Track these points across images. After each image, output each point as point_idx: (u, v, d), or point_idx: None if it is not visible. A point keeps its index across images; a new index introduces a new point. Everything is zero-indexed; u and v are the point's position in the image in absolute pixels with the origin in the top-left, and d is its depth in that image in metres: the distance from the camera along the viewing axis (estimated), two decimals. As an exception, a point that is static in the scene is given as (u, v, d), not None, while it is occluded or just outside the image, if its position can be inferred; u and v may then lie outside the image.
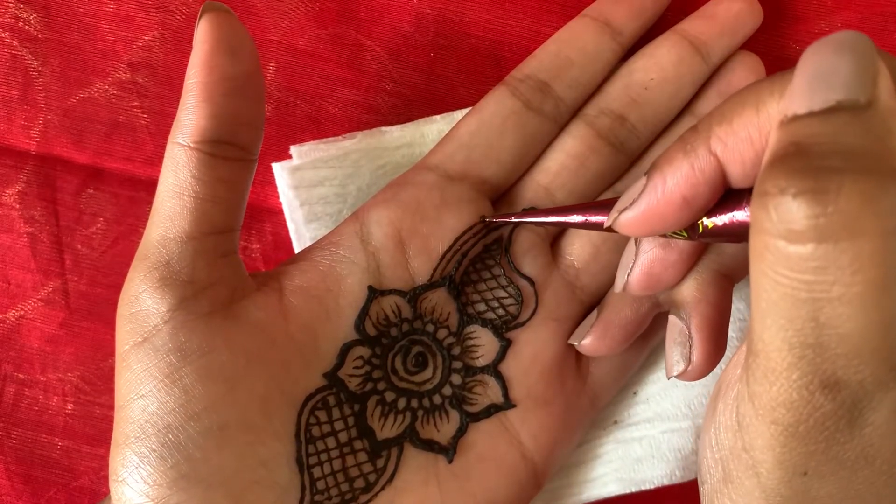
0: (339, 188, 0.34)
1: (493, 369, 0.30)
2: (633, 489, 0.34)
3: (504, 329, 0.31)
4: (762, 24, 0.34)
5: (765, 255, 0.19)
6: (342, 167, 0.34)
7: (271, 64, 0.36)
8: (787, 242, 0.18)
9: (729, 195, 0.24)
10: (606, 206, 0.27)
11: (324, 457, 0.28)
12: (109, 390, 0.36)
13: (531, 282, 0.31)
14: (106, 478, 0.35)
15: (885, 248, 0.18)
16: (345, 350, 0.29)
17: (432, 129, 0.34)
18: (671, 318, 0.28)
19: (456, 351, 0.31)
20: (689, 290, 0.28)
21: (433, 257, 0.30)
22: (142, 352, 0.26)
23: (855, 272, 0.18)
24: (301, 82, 0.36)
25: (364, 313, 0.29)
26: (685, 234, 0.25)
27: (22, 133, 0.36)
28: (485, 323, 0.31)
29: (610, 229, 0.26)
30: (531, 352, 0.31)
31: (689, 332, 0.28)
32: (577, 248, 0.32)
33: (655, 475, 0.33)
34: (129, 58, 0.36)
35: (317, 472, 0.28)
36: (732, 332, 0.33)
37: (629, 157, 0.32)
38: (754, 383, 0.21)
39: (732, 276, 0.29)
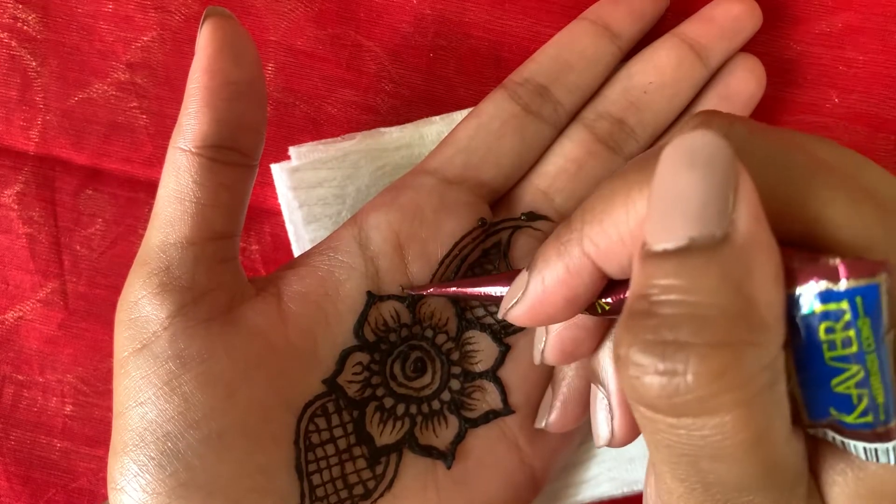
0: (338, 189, 0.34)
1: (493, 375, 0.30)
2: (626, 490, 0.34)
3: (503, 334, 0.30)
4: (763, 25, 0.34)
5: (636, 410, 0.19)
6: (341, 168, 0.34)
7: (270, 64, 0.35)
8: (648, 410, 0.18)
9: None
10: (511, 279, 0.26)
11: (323, 464, 0.28)
12: (108, 391, 0.36)
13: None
14: (104, 479, 0.35)
15: (748, 414, 0.18)
16: (344, 356, 0.29)
17: (431, 130, 0.34)
18: (593, 388, 0.27)
19: (455, 356, 0.30)
20: (606, 362, 0.27)
21: (432, 262, 0.30)
22: (141, 358, 0.26)
23: (722, 439, 0.18)
24: (300, 83, 0.35)
25: (363, 319, 0.29)
26: (586, 312, 0.24)
27: (20, 134, 0.36)
28: (484, 328, 0.30)
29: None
30: (530, 357, 0.30)
31: (610, 405, 0.27)
32: None
33: None
34: (128, 58, 0.36)
35: (316, 479, 0.28)
36: None
37: (628, 160, 0.32)
38: (660, 496, 0.21)
39: None
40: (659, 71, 0.32)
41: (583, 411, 0.30)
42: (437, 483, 0.29)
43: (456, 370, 0.30)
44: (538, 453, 0.30)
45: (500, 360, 0.30)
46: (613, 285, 0.23)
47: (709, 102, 0.33)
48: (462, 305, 0.31)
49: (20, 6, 0.36)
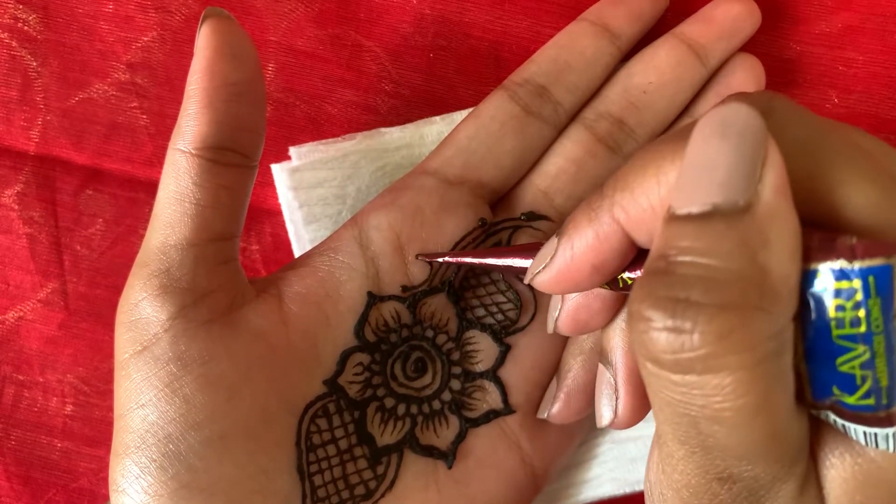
0: (339, 189, 0.34)
1: (493, 374, 0.30)
2: (628, 490, 0.34)
3: (503, 334, 0.31)
4: (763, 25, 0.34)
5: (643, 366, 0.19)
6: (341, 168, 0.34)
7: (270, 64, 0.35)
8: (654, 366, 0.19)
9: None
10: (534, 250, 0.26)
11: (324, 464, 0.28)
12: (109, 392, 0.36)
13: (530, 287, 0.31)
14: (105, 479, 0.35)
15: (751, 378, 0.18)
16: (345, 357, 0.29)
17: (432, 130, 0.34)
18: (600, 366, 0.27)
19: (455, 356, 0.30)
20: (616, 339, 0.27)
21: (434, 263, 0.30)
22: (141, 360, 0.26)
23: (722, 400, 0.18)
24: (300, 83, 0.35)
25: (364, 319, 0.29)
26: (607, 286, 0.25)
27: (21, 134, 0.36)
28: (484, 328, 0.31)
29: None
30: (531, 357, 0.31)
31: (616, 384, 0.27)
32: None
33: None
34: (129, 58, 0.36)
35: (317, 479, 0.28)
36: None
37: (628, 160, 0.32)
38: (663, 462, 0.21)
39: None
40: (658, 71, 0.32)
41: (586, 405, 0.30)
42: (438, 483, 0.29)
43: (456, 370, 0.30)
44: (539, 453, 0.30)
45: (501, 360, 0.30)
46: (637, 261, 0.24)
47: (708, 102, 0.33)
48: (462, 306, 0.31)
49: (21, 6, 0.36)
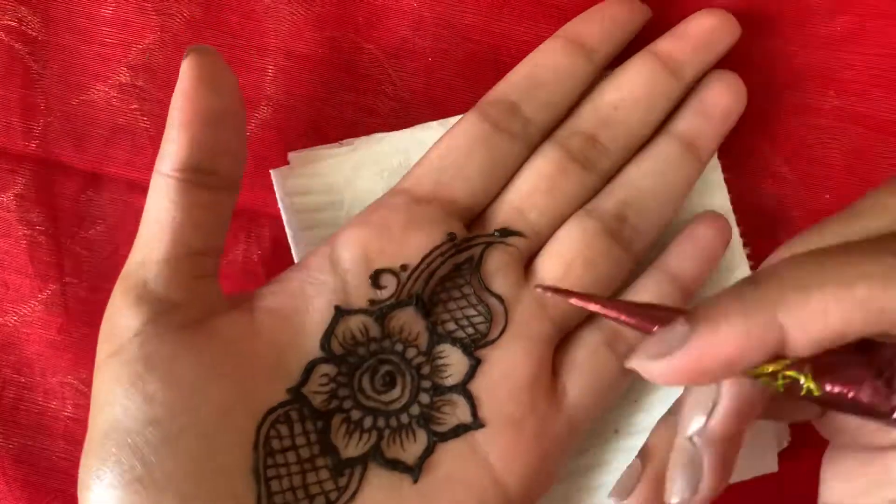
0: (336, 195, 0.34)
1: (463, 388, 0.30)
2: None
3: (473, 347, 0.30)
4: (762, 26, 0.34)
5: None
6: (339, 174, 0.34)
7: (270, 68, 0.36)
8: None
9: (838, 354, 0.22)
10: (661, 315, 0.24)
11: (283, 470, 0.28)
12: (108, 394, 0.36)
13: (500, 300, 0.31)
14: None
15: None
16: (309, 367, 0.29)
17: (429, 135, 0.34)
18: (683, 441, 0.25)
19: (425, 370, 0.30)
20: (721, 425, 0.24)
21: (400, 277, 0.30)
22: (113, 362, 0.28)
23: None
24: (300, 86, 0.36)
25: (330, 332, 0.30)
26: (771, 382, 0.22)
27: (21, 136, 0.36)
28: (454, 342, 0.30)
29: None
30: (501, 370, 0.30)
31: (702, 465, 0.24)
32: (548, 266, 0.31)
33: None
34: (130, 61, 0.36)
35: (275, 485, 0.28)
36: None
37: (601, 176, 0.32)
38: None
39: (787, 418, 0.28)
40: (630, 87, 0.32)
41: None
42: (402, 498, 0.29)
43: (426, 384, 0.30)
44: (511, 472, 0.30)
45: (471, 374, 0.30)
46: (834, 370, 0.22)
47: (685, 117, 0.33)
48: (433, 320, 0.31)
49: (22, 8, 0.36)
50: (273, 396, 0.29)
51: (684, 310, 0.23)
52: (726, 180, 0.35)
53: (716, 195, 0.35)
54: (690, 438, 0.24)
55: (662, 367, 0.22)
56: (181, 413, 0.27)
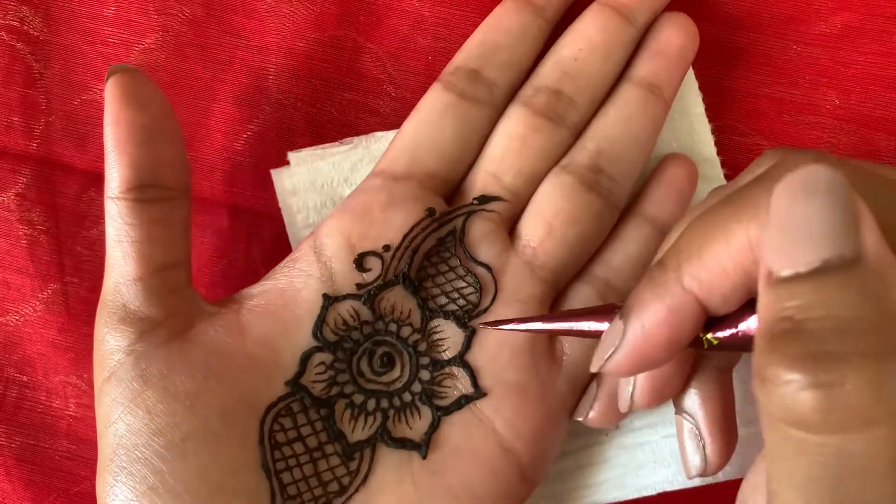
0: (336, 194, 0.34)
1: (460, 360, 0.30)
2: (635, 495, 0.33)
3: (467, 318, 0.31)
4: (762, 25, 0.34)
5: (777, 431, 0.19)
6: (339, 173, 0.34)
7: (271, 67, 0.36)
8: (798, 430, 0.18)
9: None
10: (602, 314, 0.27)
11: (292, 462, 0.29)
12: (110, 393, 0.36)
13: (488, 268, 0.31)
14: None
15: None
16: (305, 357, 0.30)
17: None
18: (678, 418, 0.29)
19: (422, 347, 0.31)
20: (692, 391, 0.28)
21: (384, 257, 0.31)
22: (109, 385, 0.28)
23: (872, 456, 0.18)
24: (300, 85, 0.36)
25: (321, 320, 0.30)
26: (692, 347, 0.25)
27: (22, 135, 0.36)
28: (447, 315, 0.31)
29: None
30: (497, 338, 0.30)
31: (700, 434, 0.28)
32: (531, 227, 0.31)
33: (657, 480, 0.33)
34: (131, 61, 0.36)
35: (286, 476, 0.28)
36: None
37: (571, 130, 0.33)
38: None
39: (730, 367, 0.29)
40: (586, 37, 0.33)
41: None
42: (413, 475, 0.29)
43: (424, 360, 0.31)
44: (519, 437, 0.30)
45: (467, 345, 0.30)
46: (716, 322, 0.24)
47: (643, 61, 0.33)
48: (423, 296, 0.31)
49: (24, 8, 0.36)
50: (272, 391, 0.29)
51: (618, 305, 0.26)
52: (726, 177, 0.35)
53: (703, 144, 0.35)
54: (685, 416, 0.28)
55: (617, 359, 0.25)
56: (183, 421, 0.28)
